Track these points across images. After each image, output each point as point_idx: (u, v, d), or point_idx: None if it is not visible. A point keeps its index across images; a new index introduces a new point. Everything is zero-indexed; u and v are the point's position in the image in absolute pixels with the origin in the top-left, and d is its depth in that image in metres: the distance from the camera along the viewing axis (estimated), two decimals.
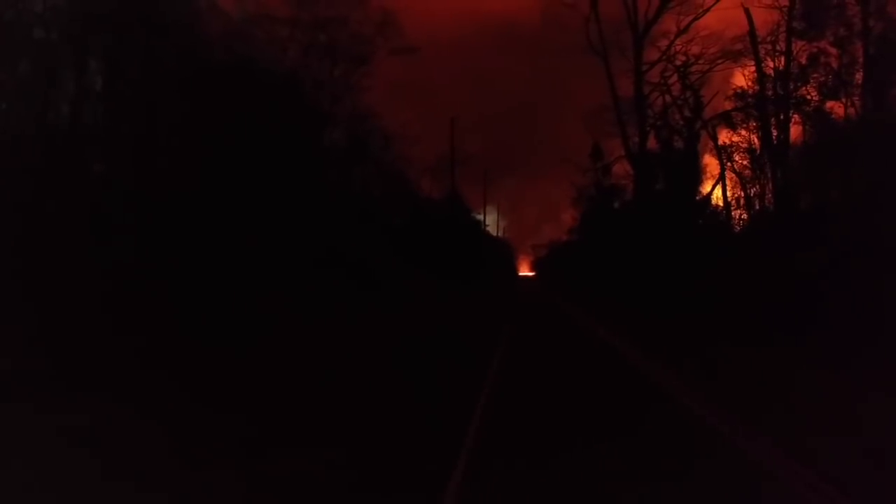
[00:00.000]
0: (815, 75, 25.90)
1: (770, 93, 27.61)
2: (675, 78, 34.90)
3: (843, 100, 25.01)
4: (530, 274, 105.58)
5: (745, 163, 31.32)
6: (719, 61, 32.30)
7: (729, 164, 32.49)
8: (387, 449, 6.56)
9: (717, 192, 33.93)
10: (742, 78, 30.44)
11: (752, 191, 30.55)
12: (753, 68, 28.31)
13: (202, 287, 13.64)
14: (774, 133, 27.08)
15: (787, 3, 26.01)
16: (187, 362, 10.86)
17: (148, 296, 11.87)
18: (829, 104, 25.64)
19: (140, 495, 5.23)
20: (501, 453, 6.31)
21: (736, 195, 32.28)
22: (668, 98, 35.73)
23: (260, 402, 8.69)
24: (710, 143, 33.89)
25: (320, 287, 19.41)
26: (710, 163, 35.57)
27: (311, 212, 21.48)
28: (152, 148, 14.44)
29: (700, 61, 33.23)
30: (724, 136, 32.59)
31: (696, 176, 34.90)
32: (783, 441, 6.55)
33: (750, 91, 29.32)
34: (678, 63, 34.24)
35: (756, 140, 29.77)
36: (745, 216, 30.94)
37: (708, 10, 32.02)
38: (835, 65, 25.27)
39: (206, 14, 18.88)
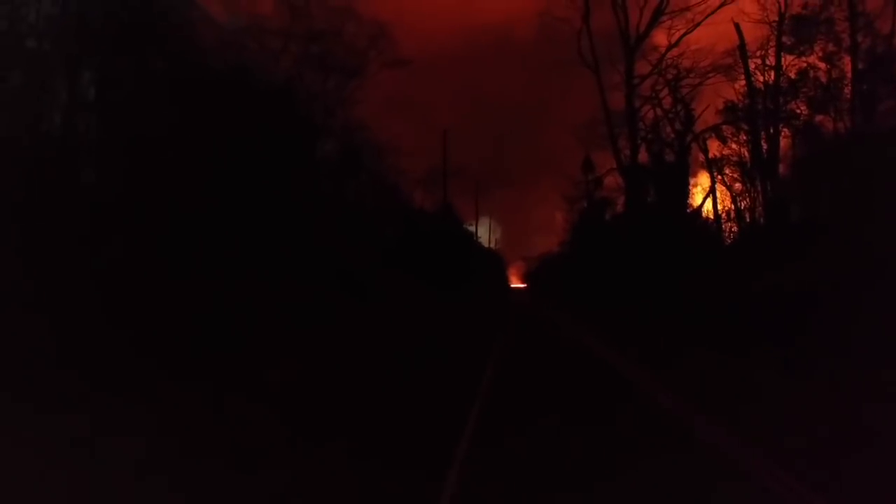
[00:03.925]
0: (804, 90, 26.22)
1: (760, 107, 27.89)
2: (666, 91, 35.21)
3: (832, 114, 25.31)
4: (522, 286, 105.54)
5: (735, 176, 31.60)
6: (710, 75, 32.57)
7: (719, 176, 32.75)
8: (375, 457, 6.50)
9: (708, 204, 34.19)
10: (733, 91, 30.80)
11: (743, 204, 30.80)
12: (744, 82, 28.64)
13: (193, 297, 13.57)
14: (765, 146, 27.34)
15: (776, 19, 26.40)
16: (179, 368, 10.79)
17: (140, 305, 11.79)
18: (818, 118, 25.96)
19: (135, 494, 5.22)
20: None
21: (726, 208, 32.53)
22: (659, 111, 36.03)
23: (252, 411, 8.71)
24: (701, 156, 34.20)
25: (312, 299, 19.34)
26: (701, 176, 35.86)
27: (303, 223, 21.46)
28: (145, 158, 14.39)
29: (691, 75, 33.52)
30: (715, 149, 32.90)
31: (687, 189, 35.11)
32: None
33: (740, 105, 29.64)
34: (669, 77, 34.53)
35: (746, 153, 30.03)
36: (735, 229, 31.15)
37: (699, 24, 32.40)
38: (824, 79, 25.61)
39: (200, 25, 18.91)
